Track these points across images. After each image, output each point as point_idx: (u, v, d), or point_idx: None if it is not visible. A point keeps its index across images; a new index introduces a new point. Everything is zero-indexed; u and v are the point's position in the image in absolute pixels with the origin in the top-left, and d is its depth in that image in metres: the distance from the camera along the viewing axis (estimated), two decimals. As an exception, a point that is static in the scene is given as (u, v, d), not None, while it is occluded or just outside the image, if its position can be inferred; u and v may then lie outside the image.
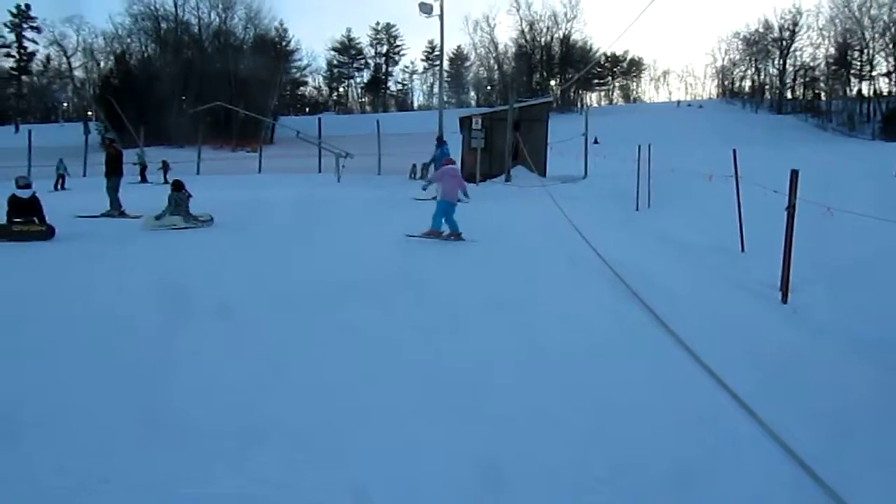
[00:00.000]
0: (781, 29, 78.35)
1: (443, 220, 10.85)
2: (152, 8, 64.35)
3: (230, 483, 3.31)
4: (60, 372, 4.83)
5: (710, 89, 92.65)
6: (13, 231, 11.09)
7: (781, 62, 79.67)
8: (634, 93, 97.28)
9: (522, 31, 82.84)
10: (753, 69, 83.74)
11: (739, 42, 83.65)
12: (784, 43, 78.67)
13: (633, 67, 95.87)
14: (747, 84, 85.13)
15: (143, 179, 25.00)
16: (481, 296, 7.18)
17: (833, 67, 75.17)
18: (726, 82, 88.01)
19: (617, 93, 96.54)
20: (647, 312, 6.36)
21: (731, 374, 4.66)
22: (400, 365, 4.96)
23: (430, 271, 8.61)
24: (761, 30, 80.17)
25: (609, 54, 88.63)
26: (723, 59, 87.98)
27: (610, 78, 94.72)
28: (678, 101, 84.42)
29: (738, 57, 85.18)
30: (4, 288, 7.73)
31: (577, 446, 3.73)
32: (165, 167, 25.79)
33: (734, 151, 10.78)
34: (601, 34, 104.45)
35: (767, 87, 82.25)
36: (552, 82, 79.68)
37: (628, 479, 3.40)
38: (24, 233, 11.09)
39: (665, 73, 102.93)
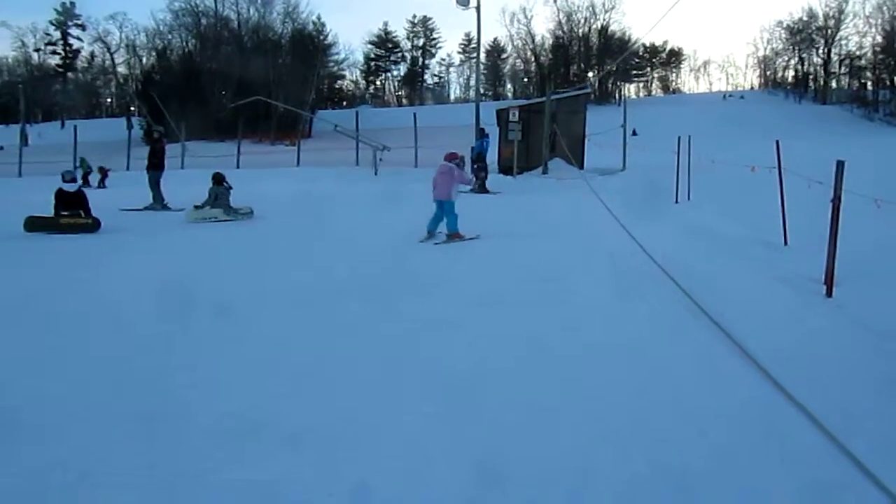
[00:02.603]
0: (826, 17, 76.34)
1: (451, 221, 10.33)
2: (193, 4, 65.22)
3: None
4: (94, 356, 4.99)
5: (751, 79, 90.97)
6: (61, 224, 11.41)
7: (826, 51, 77.61)
8: (674, 84, 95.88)
9: (560, 23, 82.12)
10: (797, 59, 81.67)
11: (782, 31, 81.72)
12: (829, 31, 76.61)
13: (673, 58, 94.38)
14: (790, 74, 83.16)
15: (86, 184, 24.27)
16: (525, 288, 7.20)
17: (880, 56, 73.04)
18: (768, 72, 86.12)
19: (656, 84, 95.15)
20: (690, 305, 6.29)
21: (779, 369, 4.58)
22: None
23: (469, 266, 8.62)
24: (805, 18, 78.18)
25: (648, 44, 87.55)
26: (765, 49, 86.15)
27: (649, 69, 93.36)
28: (724, 94, 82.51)
29: (780, 46, 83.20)
30: (48, 279, 7.98)
31: (620, 442, 3.70)
32: (104, 173, 24.46)
33: (777, 143, 10.57)
34: (640, 24, 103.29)
35: (811, 76, 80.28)
36: (590, 74, 78.74)
37: (672, 477, 3.37)
38: (71, 225, 11.42)
39: (705, 64, 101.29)
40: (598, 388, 4.46)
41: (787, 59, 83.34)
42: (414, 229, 10.63)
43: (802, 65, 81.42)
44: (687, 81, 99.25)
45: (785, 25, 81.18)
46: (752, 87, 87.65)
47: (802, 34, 78.98)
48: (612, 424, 3.92)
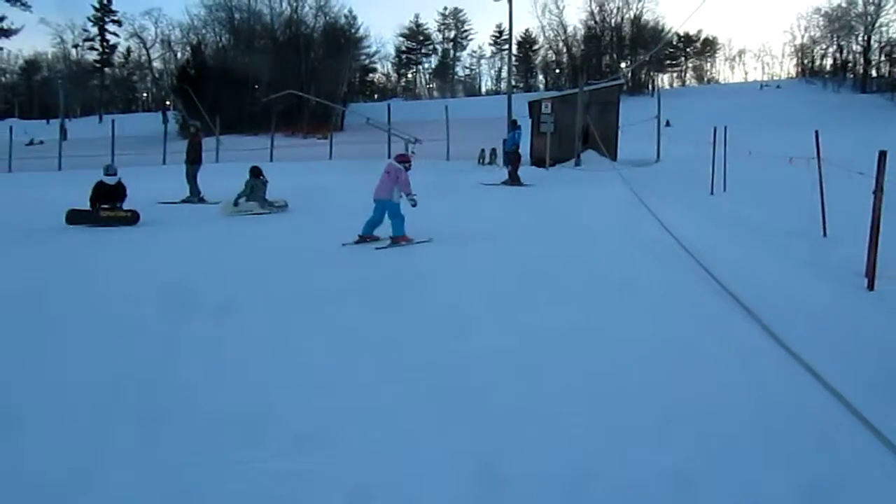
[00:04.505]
0: (866, 3, 74.42)
1: (395, 225, 9.67)
2: (226, -1, 65.82)
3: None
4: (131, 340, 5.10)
5: (788, 68, 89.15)
6: (101, 217, 11.64)
7: (866, 39, 75.70)
8: (708, 73, 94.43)
9: (592, 13, 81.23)
10: (835, 46, 79.86)
11: (820, 18, 79.79)
12: (869, 18, 74.72)
13: (707, 47, 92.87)
14: (828, 62, 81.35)
15: None
16: (559, 280, 7.18)
17: (923, 43, 71.18)
18: (806, 61, 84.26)
19: (690, 74, 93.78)
20: (730, 301, 6.21)
21: (823, 365, 4.51)
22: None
23: (505, 258, 8.62)
24: (844, 5, 76.28)
25: (682, 34, 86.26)
26: (802, 37, 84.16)
27: (683, 58, 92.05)
28: (761, 84, 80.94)
29: (818, 34, 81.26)
30: (88, 268, 8.18)
31: (671, 445, 3.67)
32: None
33: (816, 133, 10.39)
34: (674, 13, 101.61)
35: (850, 65, 78.44)
36: (622, 64, 77.89)
37: (728, 478, 3.33)
38: (111, 218, 11.66)
39: (741, 53, 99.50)
40: (639, 385, 4.42)
41: (825, 47, 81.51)
42: (452, 219, 10.60)
43: (841, 53, 79.56)
44: (722, 71, 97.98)
45: (823, 12, 79.33)
46: (788, 76, 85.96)
47: (841, 21, 77.07)
48: (646, 420, 3.90)
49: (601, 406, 4.05)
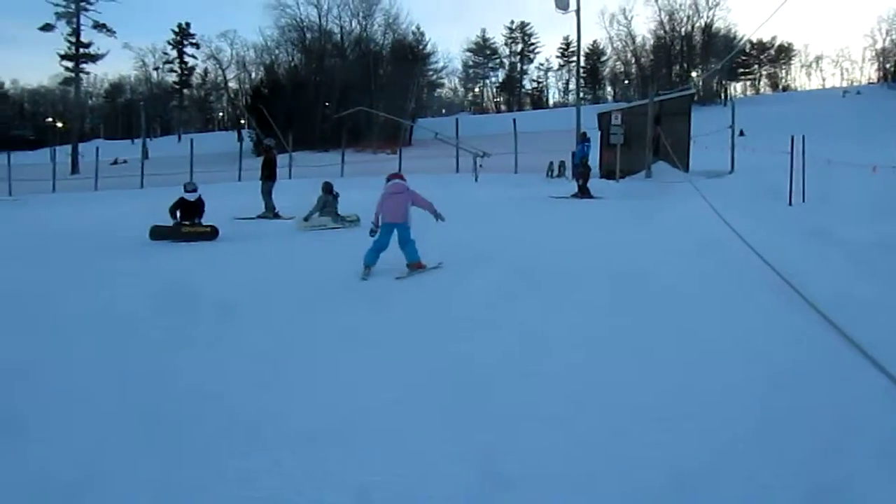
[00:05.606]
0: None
1: (410, 250, 8.69)
2: (298, 20, 67.59)
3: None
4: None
5: (869, 73, 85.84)
6: (183, 232, 12.07)
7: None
8: (783, 81, 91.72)
9: (661, 22, 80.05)
10: (920, 50, 76.58)
11: (903, 20, 76.80)
12: (956, 19, 71.47)
13: (782, 54, 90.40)
14: (912, 66, 77.93)
15: None
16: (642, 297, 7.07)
17: None
18: (888, 66, 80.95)
19: (764, 81, 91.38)
20: (828, 327, 5.68)
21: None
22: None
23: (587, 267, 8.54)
24: (928, 6, 73.23)
25: (755, 41, 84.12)
26: (884, 40, 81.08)
27: (756, 66, 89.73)
28: (843, 90, 77.85)
29: (901, 37, 78.20)
30: (175, 280, 8.51)
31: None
32: None
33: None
34: (746, 20, 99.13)
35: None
36: (693, 73, 76.39)
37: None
38: (191, 234, 12.06)
39: (818, 59, 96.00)
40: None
41: (908, 50, 78.18)
42: (522, 232, 10.54)
43: (926, 56, 76.22)
44: (798, 78, 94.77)
45: (906, 15, 76.23)
46: (869, 82, 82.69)
47: (926, 23, 73.92)
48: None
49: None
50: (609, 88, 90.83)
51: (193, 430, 4.03)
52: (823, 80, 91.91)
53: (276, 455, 3.70)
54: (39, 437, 3.98)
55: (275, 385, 4.82)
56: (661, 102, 24.57)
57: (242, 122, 66.57)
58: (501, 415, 4.19)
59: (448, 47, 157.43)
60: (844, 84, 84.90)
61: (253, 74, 73.69)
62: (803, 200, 14.80)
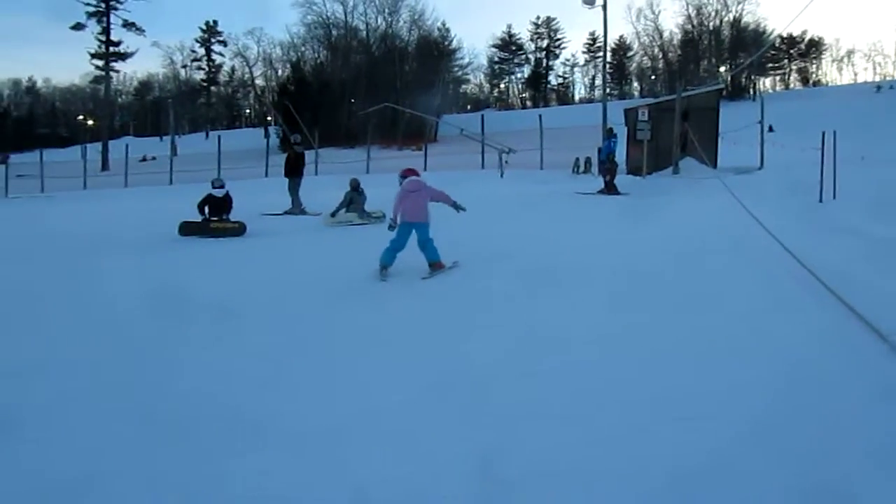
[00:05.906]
0: None
1: (431, 249, 8.44)
2: (324, 17, 67.81)
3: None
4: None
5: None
6: (211, 228, 12.24)
7: None
8: (814, 76, 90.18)
9: (689, 17, 78.96)
10: (956, 43, 74.77)
11: (938, 13, 75.07)
12: None
13: (813, 48, 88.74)
14: (948, 60, 76.16)
15: None
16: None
17: None
18: (923, 60, 79.30)
19: (794, 76, 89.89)
20: (866, 328, 5.53)
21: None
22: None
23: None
24: (965, -2, 71.49)
25: (785, 35, 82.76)
26: (918, 34, 79.26)
27: (786, 61, 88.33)
28: (877, 85, 76.12)
29: (936, 30, 76.42)
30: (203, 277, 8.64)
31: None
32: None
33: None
34: (776, 14, 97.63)
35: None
36: (722, 69, 75.45)
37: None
38: (219, 229, 12.23)
39: (849, 53, 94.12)
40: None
41: (943, 44, 76.43)
42: (549, 229, 10.51)
43: (962, 50, 74.42)
44: (829, 73, 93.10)
45: (941, 7, 74.52)
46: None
47: (963, 16, 72.20)
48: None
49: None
50: (636, 84, 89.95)
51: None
52: (855, 74, 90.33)
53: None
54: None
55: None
56: (688, 98, 24.34)
57: (269, 118, 67.05)
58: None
59: (473, 43, 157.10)
60: (877, 79, 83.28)
61: (279, 72, 74.29)
62: (834, 197, 14.58)
